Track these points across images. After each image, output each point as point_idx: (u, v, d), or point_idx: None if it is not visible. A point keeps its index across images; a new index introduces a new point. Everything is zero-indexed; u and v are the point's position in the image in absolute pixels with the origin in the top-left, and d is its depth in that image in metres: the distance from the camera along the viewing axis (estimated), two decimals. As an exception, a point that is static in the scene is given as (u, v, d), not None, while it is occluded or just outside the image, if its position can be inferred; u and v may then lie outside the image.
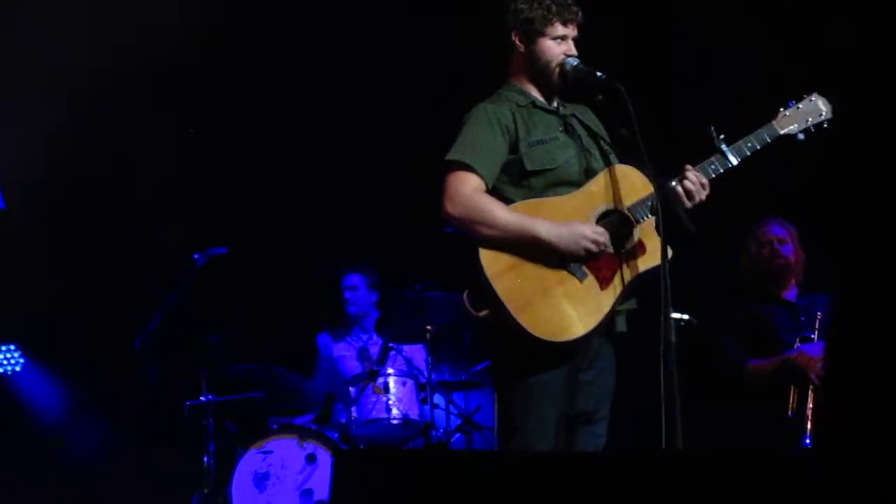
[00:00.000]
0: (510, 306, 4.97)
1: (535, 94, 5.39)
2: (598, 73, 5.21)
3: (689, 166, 5.25)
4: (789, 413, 6.84)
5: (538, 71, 5.35)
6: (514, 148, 5.23)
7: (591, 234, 5.04)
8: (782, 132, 5.39)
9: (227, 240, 8.29)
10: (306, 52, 9.32)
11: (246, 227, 9.36)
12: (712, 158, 5.27)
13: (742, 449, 6.73)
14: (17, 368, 9.53)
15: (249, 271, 9.39)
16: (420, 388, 8.34)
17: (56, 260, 9.39)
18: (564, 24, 5.32)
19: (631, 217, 5.16)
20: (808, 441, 6.72)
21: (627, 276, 5.12)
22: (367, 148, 9.38)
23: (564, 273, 5.06)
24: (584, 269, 5.07)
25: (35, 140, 9.02)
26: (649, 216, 5.15)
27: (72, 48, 8.77)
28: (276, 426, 8.19)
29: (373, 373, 8.25)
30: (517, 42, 5.38)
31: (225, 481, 7.99)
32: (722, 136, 5.28)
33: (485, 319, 5.07)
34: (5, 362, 9.43)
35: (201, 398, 8.25)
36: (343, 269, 9.02)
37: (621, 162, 5.30)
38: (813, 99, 5.49)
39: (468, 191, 5.11)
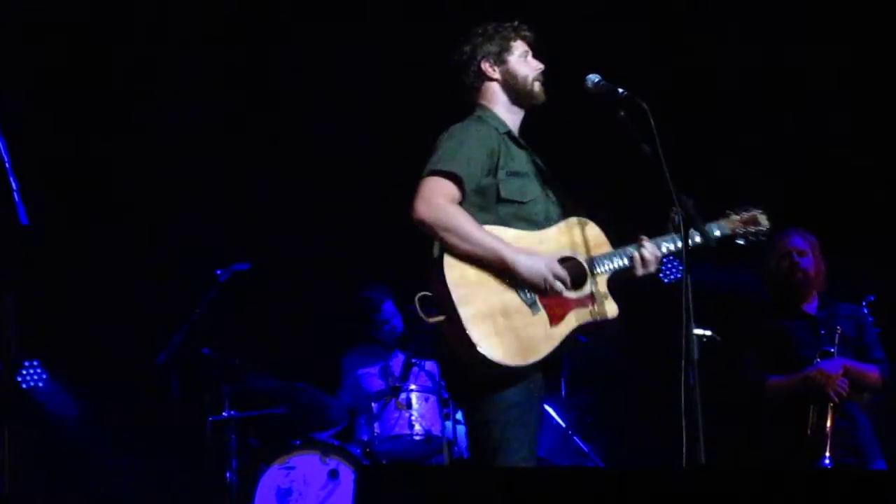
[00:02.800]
0: (465, 318, 4.97)
1: (509, 124, 5.46)
2: (620, 90, 5.24)
3: (644, 237, 5.32)
4: (808, 431, 6.83)
5: (518, 89, 5.47)
6: (493, 172, 5.26)
7: (557, 269, 5.09)
8: (728, 233, 5.54)
9: (249, 255, 8.30)
10: (333, 66, 9.35)
11: (268, 242, 9.38)
12: (666, 237, 5.33)
13: (763, 467, 6.75)
14: (41, 384, 9.58)
15: (272, 287, 9.40)
16: (443, 403, 8.33)
17: (79, 275, 9.41)
18: (524, 40, 5.49)
19: (587, 268, 5.21)
20: (826, 460, 6.70)
21: (573, 321, 5.14)
22: (392, 163, 9.39)
23: (519, 301, 5.07)
24: (539, 303, 5.09)
25: (58, 154, 9.08)
26: (608, 272, 5.22)
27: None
28: (298, 442, 8.18)
29: (395, 389, 8.24)
30: (488, 69, 5.47)
31: (248, 497, 8.00)
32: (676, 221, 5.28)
33: (436, 326, 5.08)
34: (29, 377, 9.48)
35: (224, 414, 8.25)
36: (375, 294, 8.97)
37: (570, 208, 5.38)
38: (758, 213, 5.64)
39: (445, 200, 5.14)
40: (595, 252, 5.25)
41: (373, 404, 8.31)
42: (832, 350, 6.93)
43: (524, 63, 5.45)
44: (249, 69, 9.48)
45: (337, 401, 8.72)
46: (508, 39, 5.45)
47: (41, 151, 8.27)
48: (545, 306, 5.10)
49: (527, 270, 5.04)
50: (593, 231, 5.31)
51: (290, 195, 9.64)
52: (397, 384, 8.30)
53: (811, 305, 7.19)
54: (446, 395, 8.29)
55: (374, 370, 8.89)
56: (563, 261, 5.18)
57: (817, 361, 6.92)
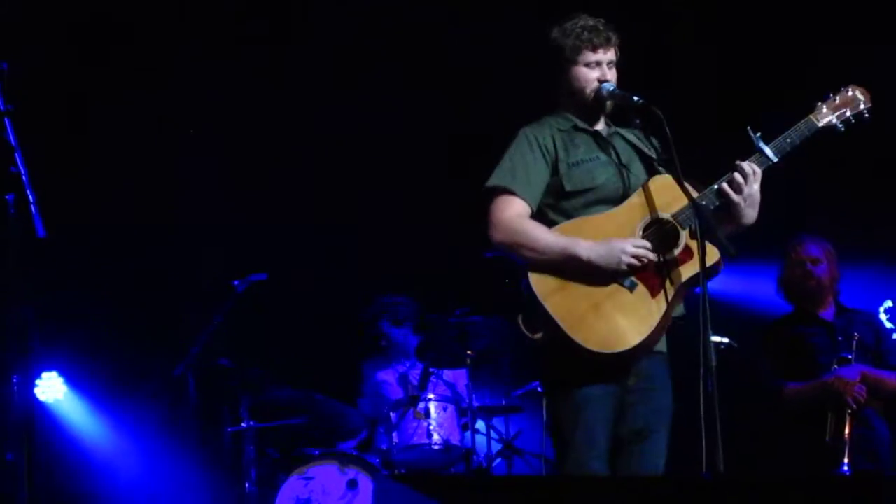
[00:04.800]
0: (564, 325, 5.04)
1: (577, 117, 5.43)
2: (635, 98, 5.24)
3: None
4: (826, 438, 6.81)
5: (575, 97, 5.40)
6: (554, 169, 5.30)
7: (630, 248, 5.08)
8: (821, 125, 5.34)
9: (266, 266, 8.32)
10: (348, 81, 9.36)
11: (285, 252, 9.39)
12: (752, 158, 5.23)
13: (782, 473, 6.74)
14: (59, 396, 9.60)
15: (289, 297, 9.41)
16: (461, 413, 8.33)
17: (97, 287, 9.43)
18: (595, 49, 5.36)
19: (675, 223, 5.17)
20: (845, 466, 6.69)
21: (676, 281, 5.14)
22: (408, 173, 9.41)
23: (614, 286, 5.10)
24: (634, 279, 5.10)
25: (75, 164, 9.11)
26: (694, 222, 5.14)
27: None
28: (317, 452, 8.18)
29: (413, 398, 8.24)
30: (555, 70, 5.43)
31: (267, 507, 8.00)
32: (759, 135, 5.24)
33: (539, 341, 5.12)
34: (47, 390, 9.49)
35: (242, 424, 8.25)
36: (369, 316, 8.97)
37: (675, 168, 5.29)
38: (850, 90, 5.43)
39: (509, 215, 5.19)
40: (681, 203, 5.16)
41: (391, 414, 8.30)
42: (850, 356, 6.92)
43: (585, 74, 5.37)
44: (269, 75, 9.49)
45: (355, 411, 8.72)
46: (578, 48, 5.36)
47: (59, 163, 8.31)
48: (641, 279, 5.11)
49: (603, 259, 5.06)
50: (672, 185, 5.19)
51: (307, 205, 9.65)
52: (415, 393, 8.30)
53: (828, 312, 7.18)
54: (464, 405, 8.30)
55: (392, 378, 8.89)
56: (650, 225, 5.18)
57: (835, 368, 6.91)
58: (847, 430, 6.77)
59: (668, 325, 5.18)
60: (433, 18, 9.14)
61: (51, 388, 9.51)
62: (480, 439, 8.51)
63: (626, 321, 5.08)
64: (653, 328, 5.10)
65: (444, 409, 8.26)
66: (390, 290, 9.01)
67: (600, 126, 5.46)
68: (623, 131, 5.49)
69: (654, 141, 5.46)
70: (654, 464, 5.22)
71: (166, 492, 9.29)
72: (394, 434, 8.23)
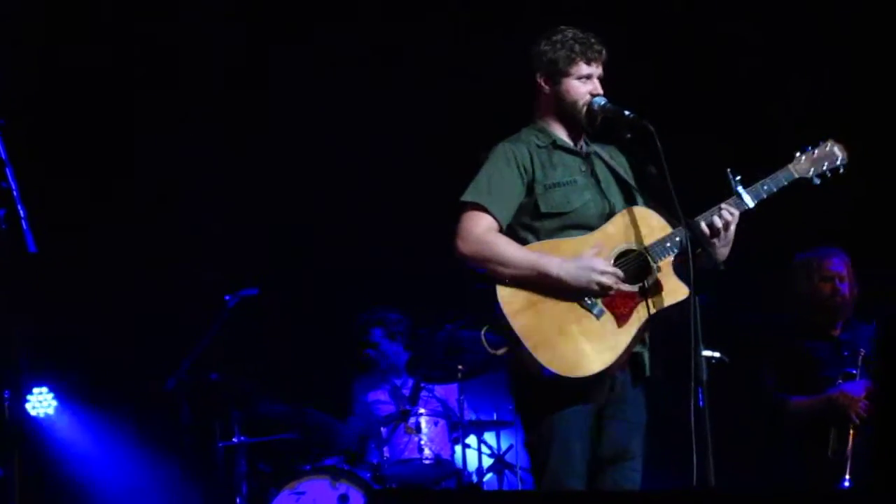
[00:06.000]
0: (528, 343, 4.99)
1: (558, 133, 5.39)
2: (626, 112, 5.21)
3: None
4: (829, 453, 6.79)
5: (565, 111, 5.36)
6: (530, 189, 5.25)
7: (601, 267, 5.04)
8: (798, 176, 5.41)
9: (257, 281, 8.32)
10: (339, 96, 9.37)
11: (277, 267, 9.40)
12: (729, 200, 5.26)
13: (778, 488, 6.73)
14: (50, 411, 9.58)
15: (280, 312, 9.42)
16: (452, 427, 8.33)
17: (88, 302, 9.42)
18: (588, 62, 5.32)
19: (648, 256, 5.16)
20: (847, 482, 6.67)
21: (644, 314, 5.11)
22: (397, 187, 9.41)
23: (580, 310, 5.06)
24: (601, 305, 5.07)
25: (66, 180, 9.11)
26: (668, 256, 5.15)
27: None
28: (308, 467, 8.17)
29: (404, 413, 8.23)
30: (543, 84, 5.39)
31: (258, 522, 8.00)
32: (738, 178, 5.29)
33: (503, 357, 5.10)
34: (38, 405, 9.48)
35: (234, 439, 8.26)
36: (362, 321, 8.96)
37: (647, 201, 5.31)
38: (829, 145, 5.52)
39: (479, 230, 5.13)
40: (655, 237, 5.17)
41: (382, 428, 8.30)
42: (854, 372, 6.88)
43: (577, 88, 5.33)
44: (264, 92, 9.50)
45: (346, 426, 8.72)
46: (571, 60, 5.32)
47: (49, 177, 8.30)
48: (609, 307, 5.08)
49: (572, 277, 5.02)
50: (650, 215, 5.23)
51: (298, 220, 9.66)
52: (406, 408, 8.29)
53: (836, 327, 7.12)
54: (455, 419, 8.30)
55: (384, 395, 8.88)
56: (623, 255, 5.15)
57: (840, 383, 6.86)
58: (849, 446, 6.75)
59: (630, 356, 5.13)
60: (440, 37, 9.22)
61: (41, 404, 9.49)
62: (472, 454, 8.51)
63: (590, 347, 5.02)
64: (616, 358, 5.05)
65: (436, 424, 8.27)
66: (382, 306, 9.01)
67: (580, 144, 5.41)
68: (600, 150, 5.45)
69: (629, 160, 5.47)
70: (633, 483, 5.19)
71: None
72: (385, 448, 8.23)
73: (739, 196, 5.26)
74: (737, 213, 5.23)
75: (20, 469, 4.58)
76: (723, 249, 5.23)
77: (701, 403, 4.74)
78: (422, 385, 8.40)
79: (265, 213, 9.67)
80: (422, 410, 8.29)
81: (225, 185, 9.62)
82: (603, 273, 5.03)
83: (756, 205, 5.28)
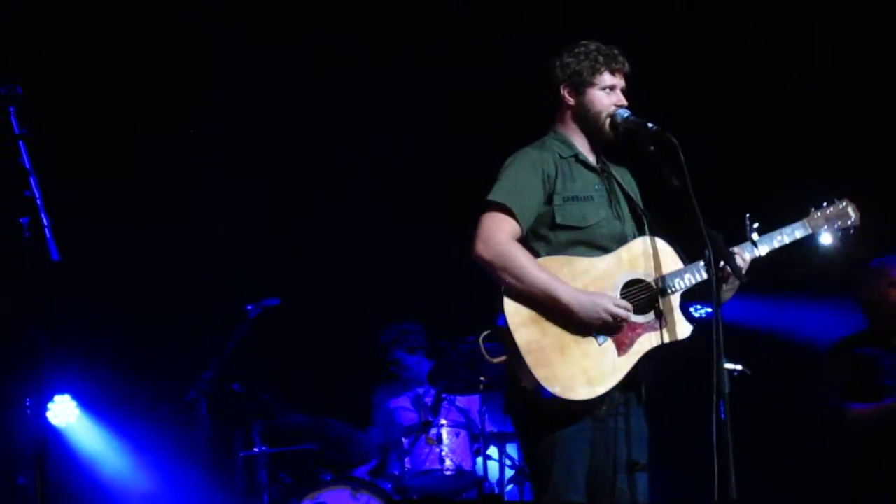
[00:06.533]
0: (528, 359, 4.99)
1: (580, 146, 5.39)
2: (650, 125, 5.19)
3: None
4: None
5: (589, 123, 5.36)
6: (549, 199, 5.24)
7: (612, 307, 5.03)
8: (811, 232, 5.49)
9: (279, 291, 8.32)
10: (359, 106, 9.37)
11: (298, 277, 9.40)
12: (743, 245, 5.30)
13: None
14: (72, 419, 9.59)
15: (302, 322, 9.42)
16: (473, 439, 8.32)
17: (110, 312, 9.44)
18: (612, 73, 5.34)
19: (656, 288, 5.16)
20: None
21: (646, 345, 5.11)
22: (422, 199, 9.41)
23: (583, 335, 5.06)
24: (605, 334, 5.07)
25: (88, 188, 9.12)
26: (681, 287, 5.16)
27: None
28: (329, 477, 8.17)
29: (426, 424, 8.23)
30: (566, 95, 5.39)
31: (278, 533, 8.00)
32: (756, 226, 5.30)
33: (501, 366, 5.12)
34: (60, 413, 9.49)
35: (255, 449, 8.27)
36: (382, 344, 8.96)
37: (653, 228, 5.33)
38: (844, 204, 5.57)
39: (503, 237, 5.11)
40: (666, 270, 5.18)
41: (403, 439, 8.30)
42: (917, 382, 6.85)
43: (601, 99, 5.34)
44: (283, 102, 9.50)
45: (367, 437, 8.72)
46: (595, 71, 5.33)
47: (72, 187, 8.31)
48: (611, 335, 5.08)
49: (583, 312, 5.01)
50: (664, 249, 5.24)
51: (320, 231, 9.66)
52: (428, 419, 8.29)
53: None
54: (477, 431, 8.29)
55: (406, 402, 8.88)
56: (631, 284, 5.15)
57: None
58: None
59: (630, 378, 5.12)
60: (440, 37, 9.22)
61: (63, 412, 9.49)
62: (493, 465, 8.50)
63: (590, 371, 5.02)
64: (613, 385, 5.05)
65: (457, 435, 8.26)
66: (402, 317, 9.01)
67: (598, 160, 5.41)
68: (614, 170, 5.46)
69: (636, 189, 5.50)
70: (643, 494, 5.18)
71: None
72: (406, 460, 8.23)
73: (754, 243, 5.31)
74: (748, 257, 5.27)
75: (42, 477, 4.58)
76: (728, 293, 5.24)
77: (723, 416, 4.72)
78: (443, 396, 8.40)
79: (287, 224, 9.67)
80: (443, 421, 8.29)
81: (248, 194, 9.62)
82: (612, 312, 5.03)
83: (767, 254, 5.33)
